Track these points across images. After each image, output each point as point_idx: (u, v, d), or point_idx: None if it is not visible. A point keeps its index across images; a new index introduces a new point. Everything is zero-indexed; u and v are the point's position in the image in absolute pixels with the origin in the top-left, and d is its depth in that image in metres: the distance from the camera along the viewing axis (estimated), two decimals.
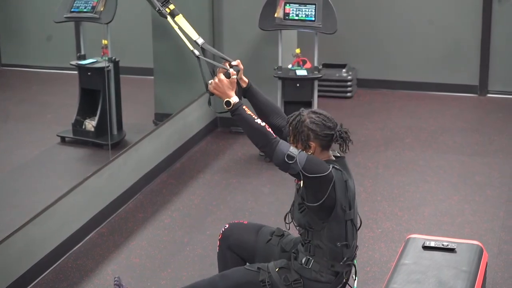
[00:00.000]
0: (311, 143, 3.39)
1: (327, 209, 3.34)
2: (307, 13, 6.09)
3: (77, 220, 4.91)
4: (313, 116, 3.39)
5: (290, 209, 3.57)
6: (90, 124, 5.80)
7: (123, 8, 5.73)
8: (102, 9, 5.64)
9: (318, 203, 3.31)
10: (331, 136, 3.40)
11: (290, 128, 3.42)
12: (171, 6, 3.63)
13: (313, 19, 6.08)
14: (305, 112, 3.41)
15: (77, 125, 5.82)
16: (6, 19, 5.90)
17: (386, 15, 8.06)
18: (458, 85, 7.96)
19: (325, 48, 7.06)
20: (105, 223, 5.18)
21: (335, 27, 6.08)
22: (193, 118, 6.60)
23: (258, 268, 3.53)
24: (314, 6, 6.09)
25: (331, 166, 3.32)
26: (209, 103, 3.68)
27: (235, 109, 3.36)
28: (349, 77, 7.92)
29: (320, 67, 6.33)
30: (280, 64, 6.28)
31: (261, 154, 6.15)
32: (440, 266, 3.63)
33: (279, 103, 6.23)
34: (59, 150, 5.80)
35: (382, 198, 5.56)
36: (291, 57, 6.47)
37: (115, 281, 3.99)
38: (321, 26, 6.08)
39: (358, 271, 3.69)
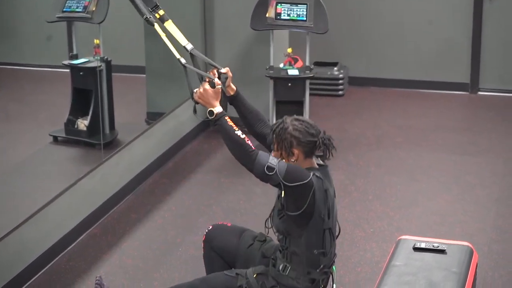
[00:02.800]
0: (294, 150, 3.37)
1: (305, 217, 3.33)
2: (298, 13, 6.10)
3: (69, 221, 4.92)
4: (296, 123, 3.38)
5: (270, 214, 3.57)
6: (82, 124, 5.81)
7: (115, 8, 5.72)
8: (94, 9, 5.65)
9: (298, 212, 3.31)
10: (314, 143, 3.38)
11: (274, 135, 3.41)
12: (161, 12, 3.63)
13: (305, 19, 6.09)
14: (288, 119, 3.40)
15: (70, 125, 5.83)
16: None
17: (377, 14, 8.08)
18: (449, 83, 7.99)
19: (316, 46, 7.07)
20: (97, 224, 5.19)
21: (327, 27, 6.09)
22: (185, 117, 6.61)
23: (236, 273, 3.55)
24: (305, 6, 6.10)
25: (311, 174, 3.32)
26: (194, 111, 3.65)
27: (217, 119, 3.37)
28: (341, 75, 7.94)
29: (312, 65, 6.35)
30: (272, 64, 6.29)
31: None
32: (430, 268, 3.66)
33: (270, 102, 6.25)
34: (52, 150, 5.81)
35: (374, 197, 5.59)
36: (283, 57, 6.48)
37: (96, 281, 4.00)
38: (312, 26, 6.10)
39: (336, 277, 3.68)
